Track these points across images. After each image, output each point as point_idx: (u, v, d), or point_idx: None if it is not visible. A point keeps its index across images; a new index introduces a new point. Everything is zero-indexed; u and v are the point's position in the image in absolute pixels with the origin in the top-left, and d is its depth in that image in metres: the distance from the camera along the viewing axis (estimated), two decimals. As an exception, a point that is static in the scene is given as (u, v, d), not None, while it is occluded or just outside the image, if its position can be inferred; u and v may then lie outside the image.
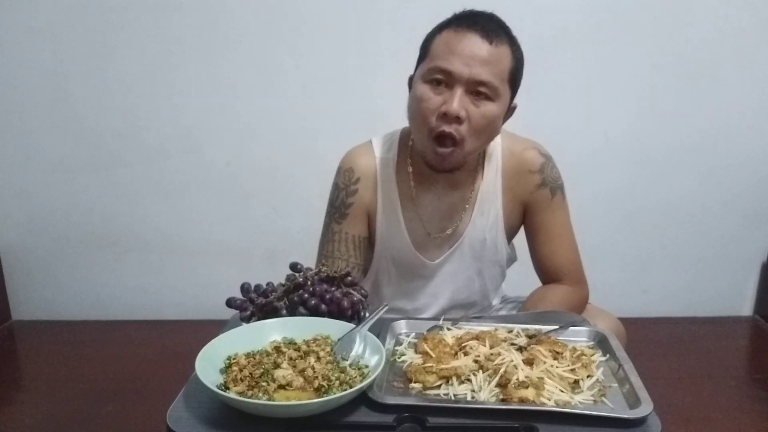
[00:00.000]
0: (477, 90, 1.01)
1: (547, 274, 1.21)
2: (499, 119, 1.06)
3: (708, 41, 2.11)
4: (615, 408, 0.73)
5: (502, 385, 0.77)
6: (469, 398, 0.76)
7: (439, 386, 0.79)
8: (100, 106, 2.19)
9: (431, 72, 1.02)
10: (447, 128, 1.01)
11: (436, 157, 1.06)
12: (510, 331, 0.92)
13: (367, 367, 0.80)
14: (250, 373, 0.76)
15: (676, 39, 2.11)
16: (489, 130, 1.05)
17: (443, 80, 1.01)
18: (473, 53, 0.99)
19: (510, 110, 1.09)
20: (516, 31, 1.06)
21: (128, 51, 2.13)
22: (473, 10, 1.06)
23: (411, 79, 1.11)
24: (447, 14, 1.06)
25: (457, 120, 1.01)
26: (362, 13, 2.09)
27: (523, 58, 1.06)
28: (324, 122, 2.18)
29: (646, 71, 2.13)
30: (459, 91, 1.00)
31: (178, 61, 2.14)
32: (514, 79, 1.05)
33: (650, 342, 2.19)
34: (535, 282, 1.24)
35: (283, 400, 0.73)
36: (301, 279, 0.95)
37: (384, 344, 0.84)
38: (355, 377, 0.77)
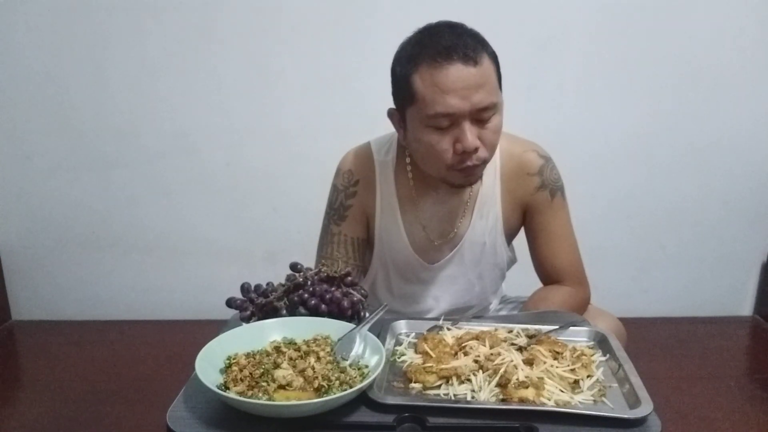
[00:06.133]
0: (482, 114, 0.98)
1: (548, 276, 1.21)
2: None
3: (709, 42, 2.11)
4: (615, 408, 0.73)
5: (502, 385, 0.76)
6: (469, 398, 0.76)
7: (439, 386, 0.79)
8: (100, 106, 2.19)
9: (432, 119, 0.98)
10: (469, 162, 1.00)
11: (462, 181, 1.05)
12: (510, 331, 0.92)
13: (367, 367, 0.80)
14: (250, 373, 0.76)
15: (676, 39, 2.10)
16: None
17: (447, 121, 0.98)
18: (466, 84, 0.95)
19: None
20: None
21: (128, 51, 2.13)
22: (435, 28, 1.00)
23: (392, 114, 1.09)
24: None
25: (475, 151, 0.99)
26: (362, 13, 2.09)
27: (495, 52, 1.02)
28: (324, 122, 2.18)
29: (646, 71, 2.13)
30: (467, 126, 0.97)
31: (178, 61, 2.14)
32: (501, 80, 1.03)
33: (650, 342, 2.19)
34: (535, 282, 1.23)
35: (283, 400, 0.73)
36: (301, 279, 0.95)
37: (384, 344, 0.84)
38: (355, 377, 0.77)
